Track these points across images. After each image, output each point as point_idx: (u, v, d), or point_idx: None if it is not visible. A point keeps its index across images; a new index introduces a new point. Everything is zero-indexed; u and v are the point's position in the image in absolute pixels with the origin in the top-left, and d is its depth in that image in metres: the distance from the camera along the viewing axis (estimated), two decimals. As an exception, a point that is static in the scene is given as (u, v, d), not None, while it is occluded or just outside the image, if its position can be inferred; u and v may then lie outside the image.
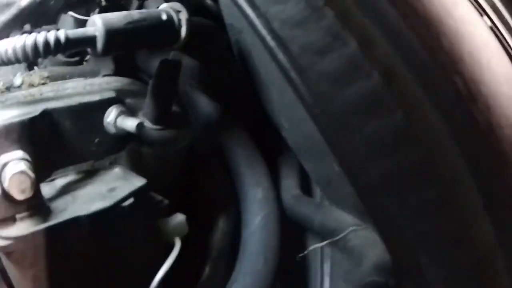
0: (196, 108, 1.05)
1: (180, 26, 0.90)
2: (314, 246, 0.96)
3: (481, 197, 0.39)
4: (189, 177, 1.04)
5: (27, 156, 0.73)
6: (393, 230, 0.44)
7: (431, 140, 0.38)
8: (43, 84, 0.96)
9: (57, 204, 0.76)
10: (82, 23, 1.11)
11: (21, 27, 0.86)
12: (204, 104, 1.06)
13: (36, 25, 0.89)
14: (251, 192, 0.99)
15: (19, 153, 0.73)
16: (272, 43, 0.45)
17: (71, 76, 1.01)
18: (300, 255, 0.98)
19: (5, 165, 0.70)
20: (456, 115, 0.39)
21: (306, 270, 1.00)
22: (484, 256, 0.40)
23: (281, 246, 0.97)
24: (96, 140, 0.86)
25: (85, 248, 0.76)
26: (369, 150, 0.41)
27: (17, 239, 0.70)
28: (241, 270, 0.96)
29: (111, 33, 0.81)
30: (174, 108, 0.95)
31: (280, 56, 0.45)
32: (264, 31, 0.46)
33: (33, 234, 0.70)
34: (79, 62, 1.09)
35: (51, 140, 0.80)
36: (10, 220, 0.72)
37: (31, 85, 0.95)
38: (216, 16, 1.09)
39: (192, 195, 1.04)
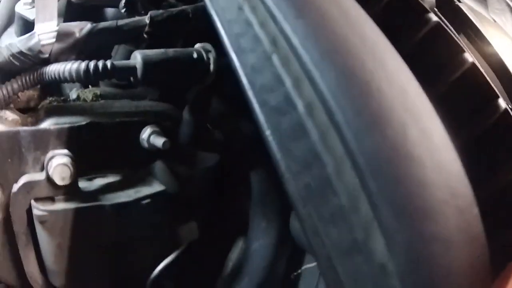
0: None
1: (209, 64, 1.00)
2: (306, 266, 1.07)
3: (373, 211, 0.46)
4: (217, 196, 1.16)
5: (70, 154, 0.90)
6: (317, 237, 0.53)
7: (335, 157, 0.49)
8: (95, 100, 1.10)
9: (90, 196, 0.93)
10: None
11: (78, 55, 0.99)
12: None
13: (91, 56, 0.99)
14: (257, 221, 1.11)
15: (65, 151, 0.91)
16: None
17: (120, 97, 1.14)
18: (295, 273, 1.08)
19: (52, 157, 0.88)
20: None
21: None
22: (380, 265, 0.45)
23: (271, 268, 1.08)
24: (131, 152, 1.00)
25: (103, 230, 0.93)
26: (298, 165, 0.55)
27: (51, 212, 0.88)
28: None
29: (148, 66, 0.95)
30: (208, 134, 1.09)
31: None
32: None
33: (64, 211, 0.89)
34: (130, 86, 1.17)
35: (93, 147, 0.96)
36: (50, 199, 0.90)
37: (84, 100, 1.08)
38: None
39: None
